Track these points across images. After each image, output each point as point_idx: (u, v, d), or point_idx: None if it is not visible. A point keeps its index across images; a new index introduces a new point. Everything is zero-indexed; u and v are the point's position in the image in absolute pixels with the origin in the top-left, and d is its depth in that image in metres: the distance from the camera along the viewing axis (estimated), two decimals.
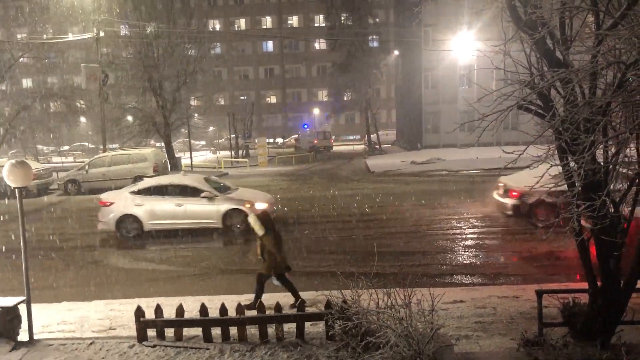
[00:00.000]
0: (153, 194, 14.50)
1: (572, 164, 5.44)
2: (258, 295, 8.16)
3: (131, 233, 14.33)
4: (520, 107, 5.64)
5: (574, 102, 5.20)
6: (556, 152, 5.57)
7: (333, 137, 58.10)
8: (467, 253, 11.65)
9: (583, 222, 5.88)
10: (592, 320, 5.94)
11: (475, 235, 13.12)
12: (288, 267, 8.24)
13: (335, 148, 56.06)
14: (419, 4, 34.16)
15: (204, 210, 14.23)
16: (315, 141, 53.14)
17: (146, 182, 15.27)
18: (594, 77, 5.26)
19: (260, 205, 14.00)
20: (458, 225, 14.35)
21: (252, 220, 8.28)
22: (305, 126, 46.23)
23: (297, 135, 59.99)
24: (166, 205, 14.29)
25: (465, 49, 29.76)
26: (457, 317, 7.38)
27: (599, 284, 5.95)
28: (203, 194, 14.27)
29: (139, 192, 14.59)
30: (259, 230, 8.20)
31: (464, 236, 13.13)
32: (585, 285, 6.18)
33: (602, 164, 5.42)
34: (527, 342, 6.09)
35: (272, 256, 8.14)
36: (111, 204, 14.49)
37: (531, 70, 5.88)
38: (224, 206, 14.24)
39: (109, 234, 14.78)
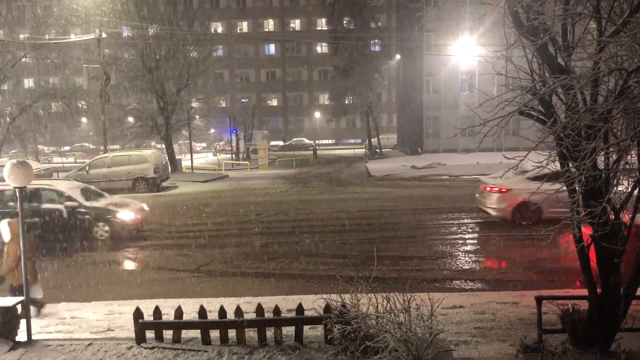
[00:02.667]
0: (549, 180, 13.86)
1: (573, 170, 5.44)
2: (37, 303, 8.34)
3: (531, 220, 13.74)
4: (521, 113, 5.64)
5: (575, 109, 5.20)
6: (557, 158, 5.56)
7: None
8: (466, 258, 11.63)
9: (583, 229, 5.87)
10: (592, 327, 5.93)
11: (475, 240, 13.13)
12: (2, 278, 8.29)
13: (335, 152, 56.62)
14: (421, 9, 34.16)
15: None
16: None
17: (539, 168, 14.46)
18: (595, 83, 5.26)
19: None
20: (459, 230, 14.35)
21: (3, 225, 8.40)
22: (234, 131, 46.64)
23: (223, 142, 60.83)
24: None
25: (467, 55, 29.76)
26: (456, 323, 7.37)
27: (598, 290, 5.94)
28: None
29: (536, 179, 14.08)
30: (6, 236, 8.34)
31: (465, 241, 13.13)
32: (585, 291, 6.16)
33: (603, 170, 5.42)
34: (526, 348, 6.07)
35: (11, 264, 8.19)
36: (507, 190, 14.02)
37: (533, 76, 5.88)
38: None
39: None
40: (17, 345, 6.80)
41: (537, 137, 5.61)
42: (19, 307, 7.06)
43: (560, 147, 5.36)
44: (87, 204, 14.53)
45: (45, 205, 14.33)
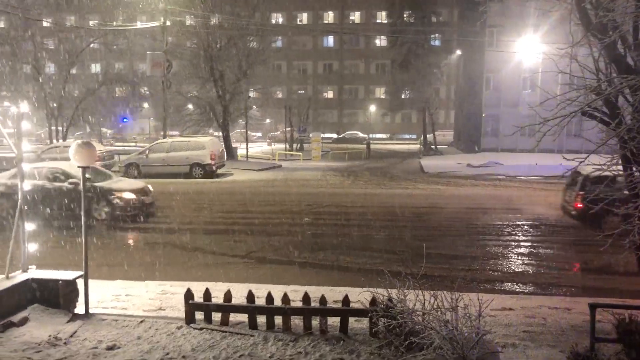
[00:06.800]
0: None
1: (637, 174, 5.23)
2: None
3: None
4: (584, 113, 5.47)
5: None
6: (620, 161, 5.36)
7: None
8: (519, 260, 11.36)
9: None
10: None
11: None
12: None
13: (389, 146, 56.44)
14: (484, 4, 33.46)
15: None
16: None
17: None
18: None
19: None
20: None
21: None
22: (125, 120, 41.82)
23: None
24: None
25: (530, 52, 28.87)
26: (505, 325, 7.21)
27: None
28: None
29: None
30: None
31: (518, 243, 12.82)
32: None
33: None
34: (577, 355, 5.89)
35: None
36: None
37: (598, 76, 5.67)
38: None
39: None
40: (75, 317, 7.13)
41: (599, 139, 5.42)
42: (78, 281, 7.39)
43: (624, 150, 5.16)
44: None
45: None
